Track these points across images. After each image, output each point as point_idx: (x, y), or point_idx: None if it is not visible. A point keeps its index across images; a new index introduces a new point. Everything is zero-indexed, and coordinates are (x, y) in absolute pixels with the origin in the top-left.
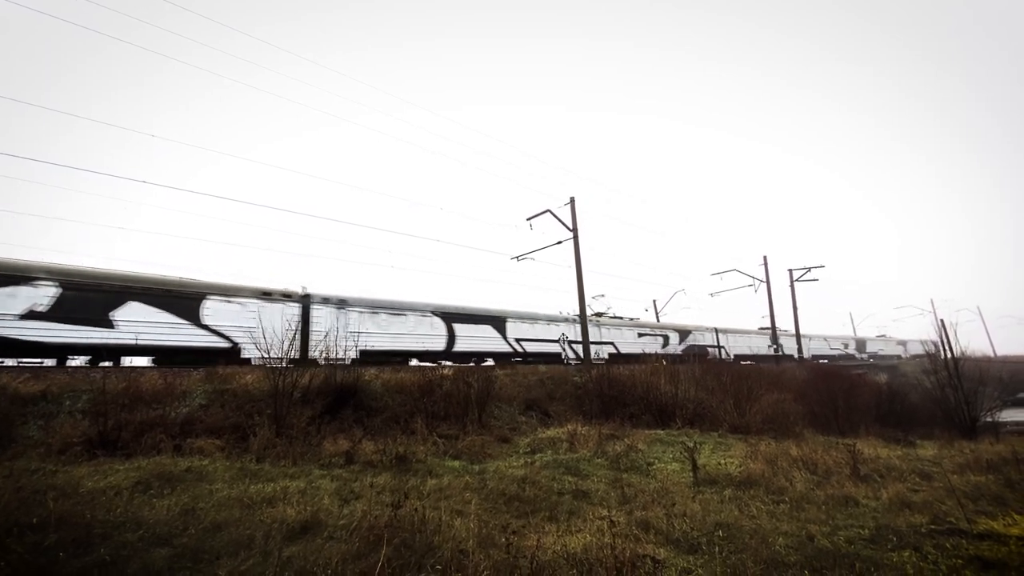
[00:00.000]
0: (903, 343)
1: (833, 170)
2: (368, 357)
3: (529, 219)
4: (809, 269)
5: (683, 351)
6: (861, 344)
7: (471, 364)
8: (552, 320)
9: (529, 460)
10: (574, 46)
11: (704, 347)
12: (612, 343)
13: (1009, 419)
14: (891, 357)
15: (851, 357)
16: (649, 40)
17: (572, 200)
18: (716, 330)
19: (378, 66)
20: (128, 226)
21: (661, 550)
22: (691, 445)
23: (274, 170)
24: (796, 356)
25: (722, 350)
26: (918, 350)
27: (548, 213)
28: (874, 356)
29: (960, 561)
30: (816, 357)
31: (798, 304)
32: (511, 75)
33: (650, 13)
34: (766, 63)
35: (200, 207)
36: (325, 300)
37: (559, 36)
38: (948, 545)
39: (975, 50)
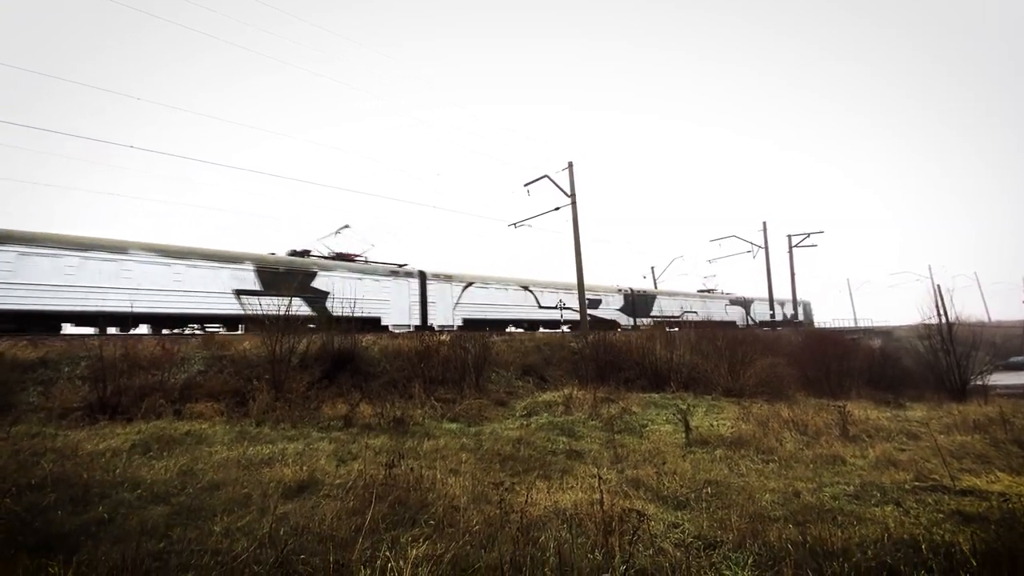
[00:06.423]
0: (745, 302)
1: (834, 165)
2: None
3: (527, 184)
4: (808, 235)
5: None
6: (643, 300)
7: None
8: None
9: (525, 422)
10: (574, 46)
11: None
12: None
13: (999, 382)
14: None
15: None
16: (649, 40)
17: (570, 165)
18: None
19: (377, 66)
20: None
21: (650, 506)
22: (684, 408)
23: (276, 138)
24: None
25: None
26: (763, 313)
27: (546, 179)
28: (668, 320)
29: (941, 515)
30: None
31: (796, 273)
32: (510, 75)
33: (650, 13)
34: (765, 63)
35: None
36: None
37: (559, 36)
38: (930, 500)
39: (969, 39)
